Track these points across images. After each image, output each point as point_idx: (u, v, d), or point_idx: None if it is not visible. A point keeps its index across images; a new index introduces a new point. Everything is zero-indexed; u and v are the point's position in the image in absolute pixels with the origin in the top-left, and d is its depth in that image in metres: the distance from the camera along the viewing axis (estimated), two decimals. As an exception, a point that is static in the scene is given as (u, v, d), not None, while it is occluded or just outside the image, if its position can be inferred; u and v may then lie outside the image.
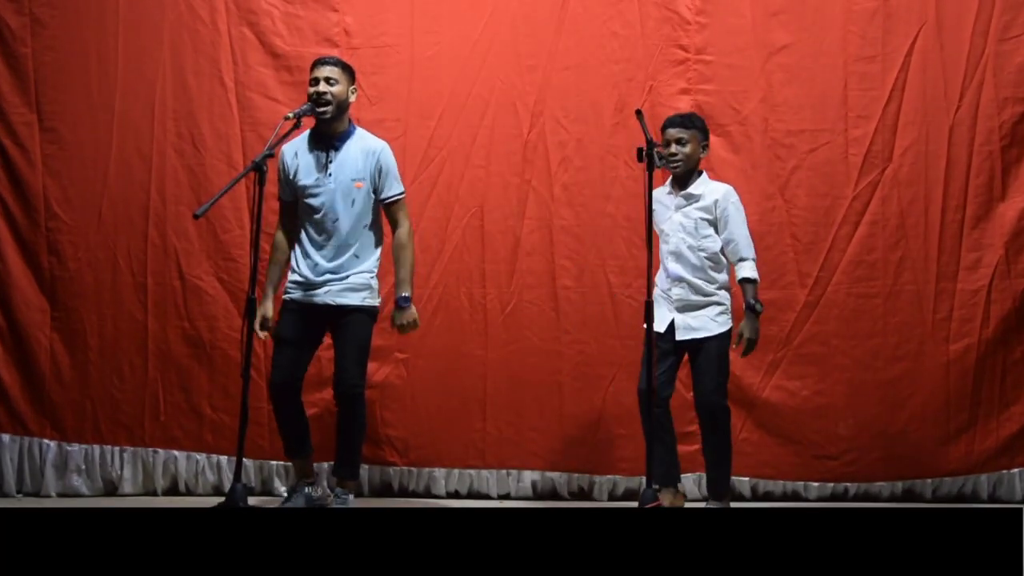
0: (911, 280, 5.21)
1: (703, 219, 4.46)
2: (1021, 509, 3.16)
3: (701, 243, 4.46)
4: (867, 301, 5.21)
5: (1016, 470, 5.15)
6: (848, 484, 5.18)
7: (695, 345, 4.46)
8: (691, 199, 4.49)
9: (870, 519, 3.20)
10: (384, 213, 4.65)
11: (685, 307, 4.46)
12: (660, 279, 4.56)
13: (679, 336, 4.45)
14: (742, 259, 4.45)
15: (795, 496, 5.22)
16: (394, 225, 4.64)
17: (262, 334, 4.57)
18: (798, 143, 5.25)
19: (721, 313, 4.47)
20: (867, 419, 5.17)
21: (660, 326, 4.43)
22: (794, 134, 5.25)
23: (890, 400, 5.17)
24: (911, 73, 5.21)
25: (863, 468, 5.16)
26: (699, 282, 4.46)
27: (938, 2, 5.22)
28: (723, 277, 4.51)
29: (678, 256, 4.48)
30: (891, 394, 5.18)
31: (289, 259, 4.63)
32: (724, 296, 4.50)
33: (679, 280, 4.47)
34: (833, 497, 5.20)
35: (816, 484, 5.19)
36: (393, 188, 4.61)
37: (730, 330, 4.49)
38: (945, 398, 5.16)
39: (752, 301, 4.41)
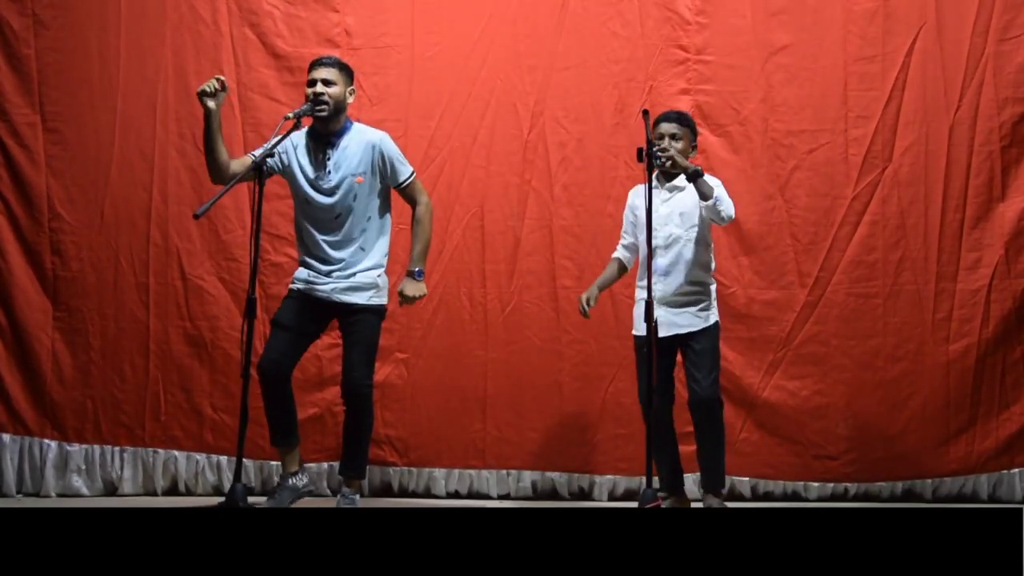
0: (911, 280, 5.20)
1: (689, 210, 4.46)
2: (1021, 509, 3.16)
3: (688, 234, 4.46)
4: (867, 301, 5.21)
5: (1016, 470, 5.15)
6: (848, 484, 5.18)
7: (683, 341, 4.45)
8: (676, 191, 4.49)
9: (870, 519, 3.20)
10: (402, 198, 4.67)
11: (669, 302, 4.42)
12: (640, 277, 4.51)
13: (662, 332, 4.33)
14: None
15: (795, 496, 5.21)
16: (412, 204, 4.67)
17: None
18: (798, 143, 5.25)
19: (705, 308, 4.47)
20: (867, 419, 5.16)
21: (645, 329, 4.24)
22: (794, 134, 5.25)
23: (890, 400, 5.17)
24: (911, 73, 5.21)
25: (863, 468, 5.16)
26: (684, 274, 4.44)
27: (938, 2, 5.21)
28: (708, 272, 4.51)
29: (665, 249, 4.47)
30: (891, 394, 5.17)
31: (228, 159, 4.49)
32: (709, 291, 4.50)
33: (665, 274, 4.45)
34: (833, 497, 5.19)
35: (816, 484, 5.19)
36: (403, 173, 4.62)
37: (717, 323, 4.50)
38: (945, 398, 5.16)
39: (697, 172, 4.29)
